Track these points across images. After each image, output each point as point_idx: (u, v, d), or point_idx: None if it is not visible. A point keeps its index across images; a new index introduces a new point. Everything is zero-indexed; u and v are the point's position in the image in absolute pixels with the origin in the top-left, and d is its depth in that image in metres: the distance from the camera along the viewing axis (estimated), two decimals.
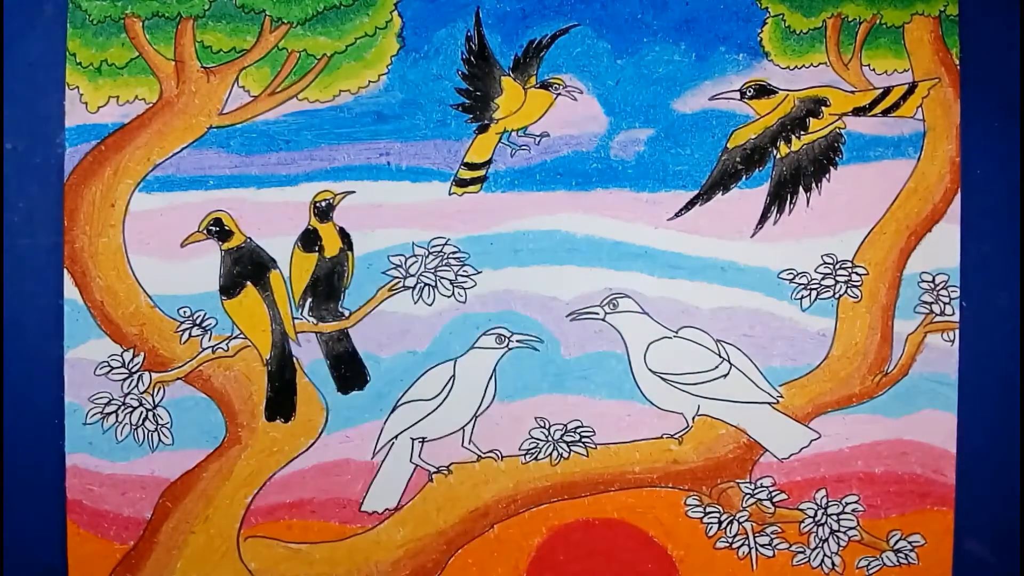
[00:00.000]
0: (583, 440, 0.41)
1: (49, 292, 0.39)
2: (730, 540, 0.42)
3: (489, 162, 0.41)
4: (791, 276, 0.41)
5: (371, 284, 0.40)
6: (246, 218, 0.40)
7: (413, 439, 0.41)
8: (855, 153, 0.42)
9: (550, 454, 0.41)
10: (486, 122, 0.40)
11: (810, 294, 0.42)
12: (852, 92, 0.42)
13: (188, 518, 0.40)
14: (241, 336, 0.40)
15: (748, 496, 0.41)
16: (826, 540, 0.42)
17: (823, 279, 0.42)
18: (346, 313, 0.40)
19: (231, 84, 0.40)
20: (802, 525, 0.42)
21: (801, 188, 0.41)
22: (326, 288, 0.40)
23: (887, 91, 0.42)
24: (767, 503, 0.42)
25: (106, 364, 0.39)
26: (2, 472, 0.39)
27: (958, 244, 0.42)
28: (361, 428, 0.40)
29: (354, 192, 0.40)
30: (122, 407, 0.39)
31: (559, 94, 0.41)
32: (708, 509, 0.41)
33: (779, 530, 0.42)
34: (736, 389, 0.41)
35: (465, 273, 0.41)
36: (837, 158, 0.42)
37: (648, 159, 0.41)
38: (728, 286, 0.41)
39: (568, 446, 0.41)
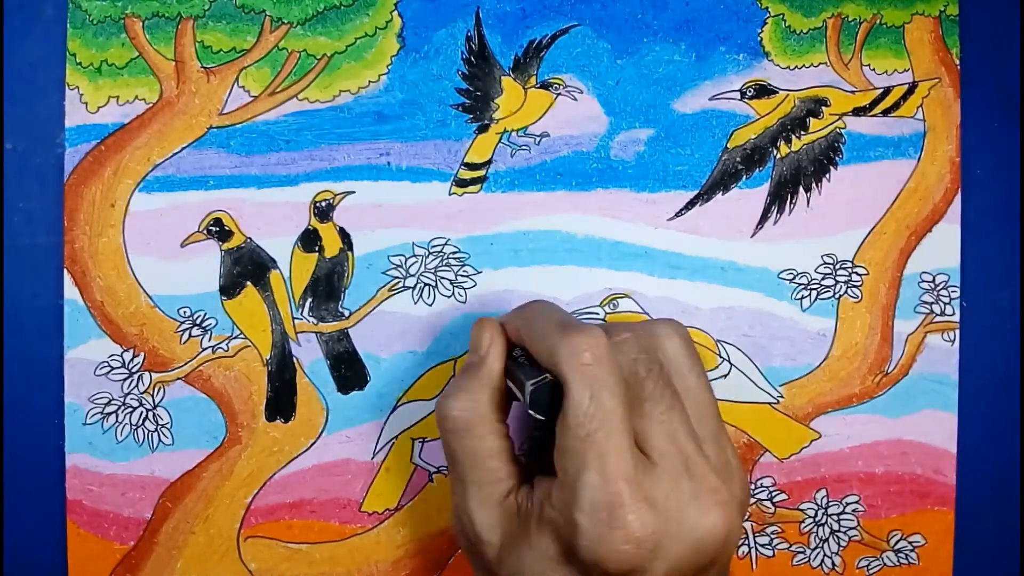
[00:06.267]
0: None
1: (49, 292, 0.39)
2: None
3: (489, 162, 0.41)
4: (791, 276, 0.41)
5: (371, 284, 0.40)
6: (246, 218, 0.40)
7: (413, 439, 0.41)
8: (855, 153, 0.42)
9: None
10: (486, 122, 0.40)
11: (810, 294, 0.42)
12: (852, 92, 0.42)
13: (188, 518, 0.40)
14: (241, 336, 0.40)
15: None
16: (826, 540, 0.42)
17: (823, 279, 0.42)
18: (346, 313, 0.40)
19: (231, 84, 0.40)
20: (802, 525, 0.42)
21: (801, 188, 0.41)
22: (326, 288, 0.40)
23: (887, 91, 0.42)
24: (767, 503, 0.42)
25: (106, 364, 0.39)
26: (2, 472, 0.39)
27: (958, 244, 0.42)
28: (361, 428, 0.40)
29: (354, 192, 0.40)
30: (122, 407, 0.39)
31: (559, 94, 0.41)
32: None
33: (779, 530, 0.42)
34: (736, 389, 0.41)
35: (465, 273, 0.41)
36: (837, 158, 0.42)
37: (648, 159, 0.41)
38: (728, 286, 0.41)
39: None
